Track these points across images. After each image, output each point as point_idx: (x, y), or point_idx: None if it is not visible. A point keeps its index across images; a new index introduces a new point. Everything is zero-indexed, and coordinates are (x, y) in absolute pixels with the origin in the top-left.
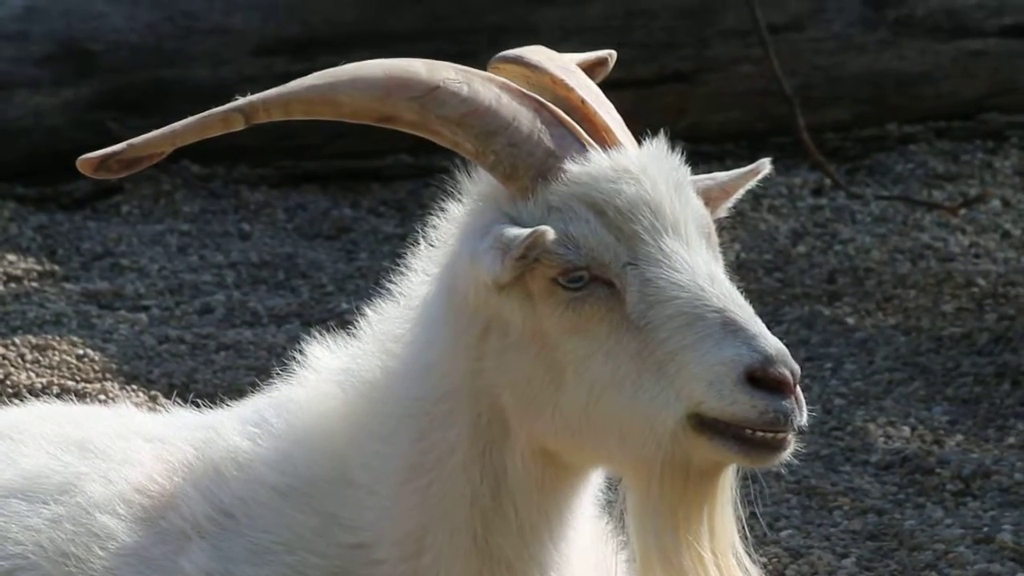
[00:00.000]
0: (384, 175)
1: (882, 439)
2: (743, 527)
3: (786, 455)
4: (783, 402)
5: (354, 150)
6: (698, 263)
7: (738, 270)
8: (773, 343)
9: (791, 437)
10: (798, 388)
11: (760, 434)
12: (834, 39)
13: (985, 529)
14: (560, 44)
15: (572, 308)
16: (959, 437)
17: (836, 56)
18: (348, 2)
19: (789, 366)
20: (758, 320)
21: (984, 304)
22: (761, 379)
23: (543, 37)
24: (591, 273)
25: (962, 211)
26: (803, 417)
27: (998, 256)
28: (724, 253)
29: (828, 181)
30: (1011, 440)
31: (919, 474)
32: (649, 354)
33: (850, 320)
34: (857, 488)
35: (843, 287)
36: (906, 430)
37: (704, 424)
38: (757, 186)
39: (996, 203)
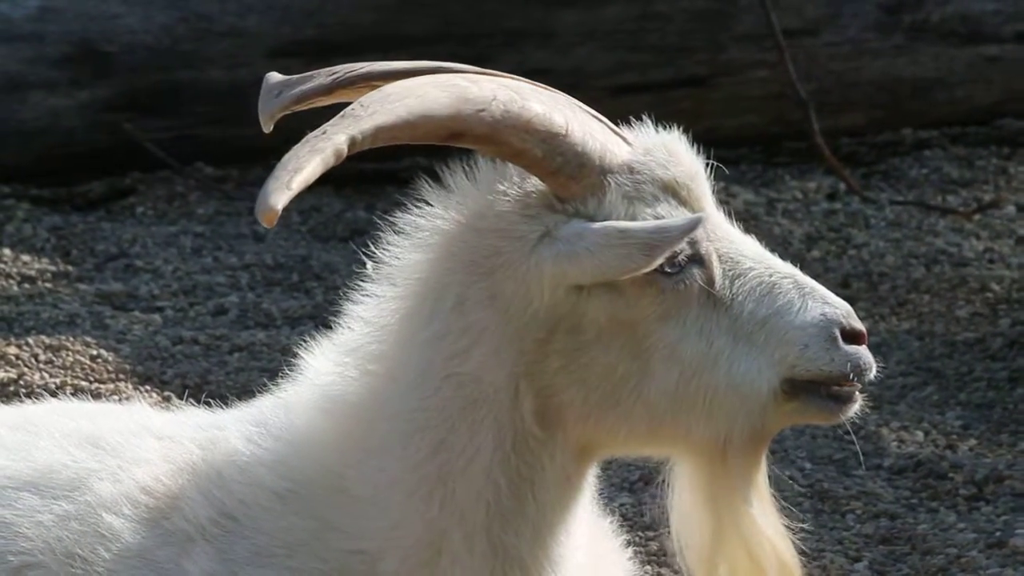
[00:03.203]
0: (399, 178)
1: (895, 443)
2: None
3: (858, 406)
4: (864, 352)
5: (369, 153)
6: (734, 232)
7: None
8: (839, 299)
9: (858, 390)
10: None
11: (843, 388)
12: (849, 44)
13: (998, 534)
14: (575, 48)
15: (669, 293)
16: (972, 442)
17: (851, 61)
18: (364, 5)
19: (857, 318)
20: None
21: (998, 309)
22: (847, 333)
23: (558, 41)
24: (686, 255)
25: (976, 216)
26: (874, 368)
27: (1012, 261)
28: None
29: (843, 186)
30: None
31: (932, 478)
32: (740, 327)
33: (864, 324)
34: (870, 492)
35: (857, 292)
36: (919, 434)
37: (797, 387)
38: (772, 191)
39: (1011, 208)
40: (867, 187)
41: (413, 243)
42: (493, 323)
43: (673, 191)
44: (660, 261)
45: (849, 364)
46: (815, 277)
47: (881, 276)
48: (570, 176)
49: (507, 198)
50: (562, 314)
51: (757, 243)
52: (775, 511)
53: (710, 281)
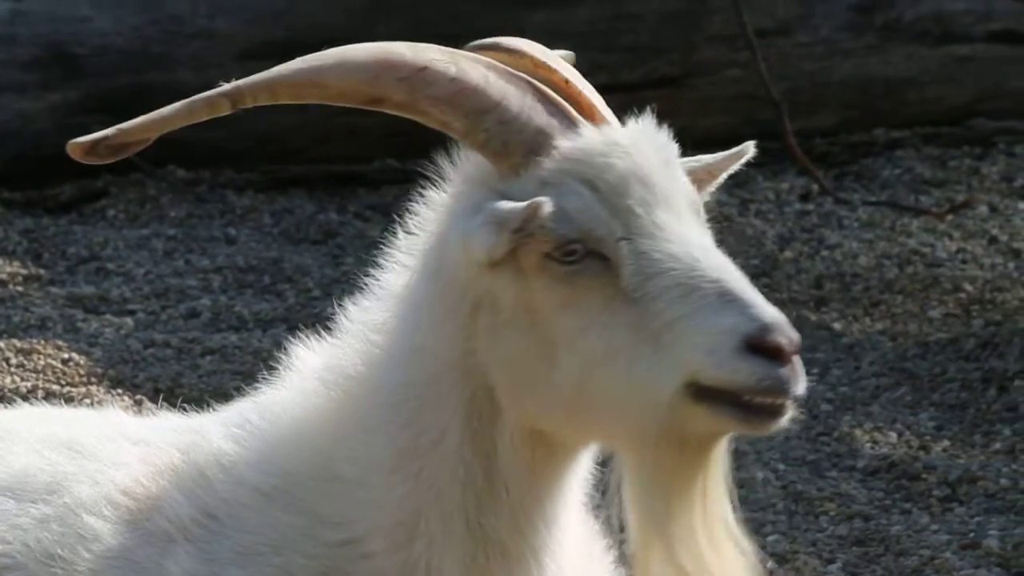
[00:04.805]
0: (370, 179)
1: (869, 444)
2: (735, 501)
3: (785, 421)
4: (781, 369)
5: (340, 154)
6: (691, 235)
7: None
8: (771, 311)
9: (790, 403)
10: (796, 357)
11: (759, 400)
12: (822, 44)
13: (971, 535)
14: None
15: (566, 282)
16: (945, 443)
17: (823, 61)
18: (334, 7)
19: (787, 334)
20: (754, 289)
21: (971, 310)
22: (759, 346)
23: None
24: (585, 247)
25: (949, 217)
26: (802, 386)
27: (985, 262)
28: None
29: (815, 186)
30: (997, 446)
31: (905, 480)
32: (645, 325)
33: (837, 325)
34: (843, 493)
35: (830, 292)
36: (893, 436)
37: (702, 393)
38: (744, 191)
39: (983, 209)
40: (840, 187)
41: (423, 214)
42: (434, 296)
43: (593, 186)
44: (501, 244)
45: (755, 377)
46: (787, 278)
47: (854, 277)
48: (495, 153)
49: (462, 172)
50: (481, 292)
51: (710, 247)
52: (722, 523)
53: (615, 277)
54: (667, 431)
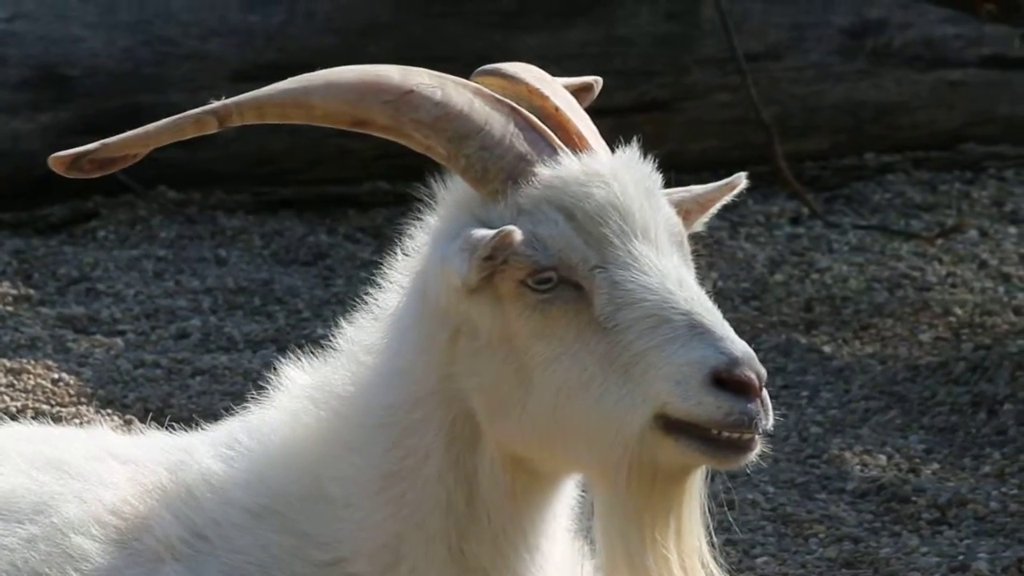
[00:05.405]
0: (361, 201)
1: (858, 467)
2: (711, 533)
3: (753, 456)
4: (748, 404)
5: (331, 176)
6: (667, 267)
7: (715, 298)
8: (740, 346)
9: (758, 438)
10: (764, 391)
11: (726, 434)
12: (812, 68)
13: (960, 558)
14: None
15: (540, 310)
16: (935, 466)
17: (814, 85)
18: (326, 29)
19: (755, 369)
20: (726, 324)
21: (961, 333)
22: (727, 381)
23: None
24: (559, 275)
25: (939, 241)
26: (769, 420)
27: (975, 286)
28: (701, 282)
29: (806, 210)
30: (987, 469)
31: (895, 502)
32: (616, 356)
33: (827, 348)
34: (833, 516)
35: (820, 316)
36: (882, 458)
37: (671, 425)
38: (735, 215)
39: (973, 233)
40: (830, 211)
41: (418, 236)
42: (418, 319)
43: (569, 215)
44: (473, 271)
45: (720, 411)
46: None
47: (844, 300)
48: (476, 178)
49: (449, 196)
50: (460, 318)
51: (686, 280)
52: (696, 556)
53: (588, 306)
54: (638, 462)
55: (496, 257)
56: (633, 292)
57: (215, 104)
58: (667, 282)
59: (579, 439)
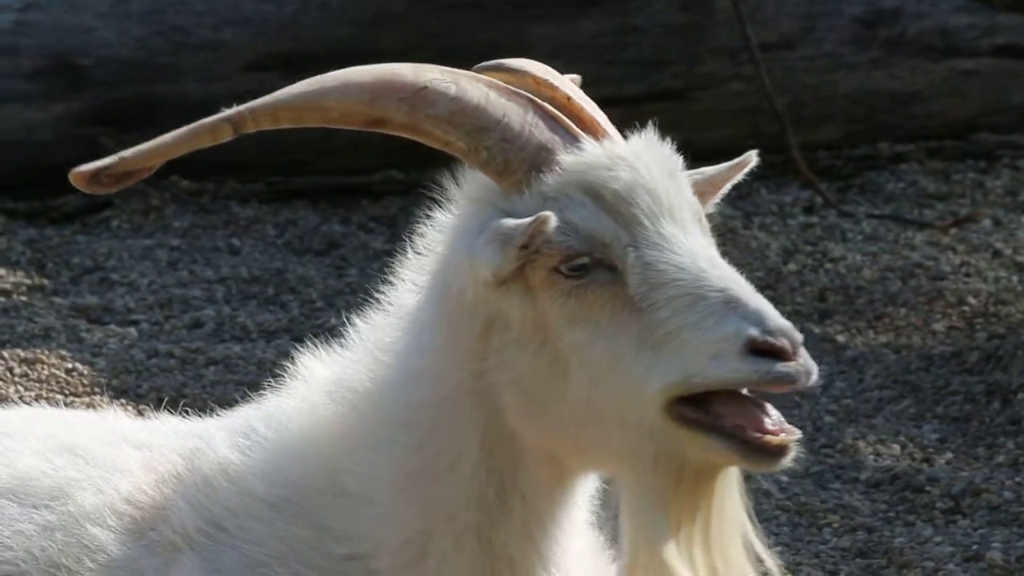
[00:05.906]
0: (374, 191)
1: (872, 457)
2: (751, 540)
3: (787, 461)
4: (783, 366)
5: (344, 166)
6: (697, 246)
7: None
8: (774, 316)
9: (793, 443)
10: (803, 351)
11: (756, 434)
12: (826, 58)
13: (975, 547)
14: (551, 61)
15: (575, 296)
16: (949, 455)
17: (827, 75)
18: (339, 19)
19: (790, 336)
20: (760, 297)
21: (975, 323)
22: (762, 347)
23: (534, 54)
24: (593, 258)
25: (953, 230)
26: (813, 376)
27: (989, 275)
28: None
29: (819, 199)
30: (1001, 458)
31: (909, 492)
32: (650, 335)
33: (840, 338)
34: (847, 505)
35: (834, 305)
36: (896, 448)
37: (690, 421)
38: (748, 204)
39: (987, 222)
40: (843, 201)
41: (430, 235)
42: (441, 319)
43: (597, 197)
44: (507, 261)
45: (757, 373)
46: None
47: (858, 290)
48: (498, 171)
49: (466, 192)
50: (492, 311)
51: (716, 258)
52: (723, 556)
53: (622, 286)
54: (666, 453)
55: (531, 245)
56: (666, 272)
57: (229, 112)
58: (699, 261)
59: (612, 425)
